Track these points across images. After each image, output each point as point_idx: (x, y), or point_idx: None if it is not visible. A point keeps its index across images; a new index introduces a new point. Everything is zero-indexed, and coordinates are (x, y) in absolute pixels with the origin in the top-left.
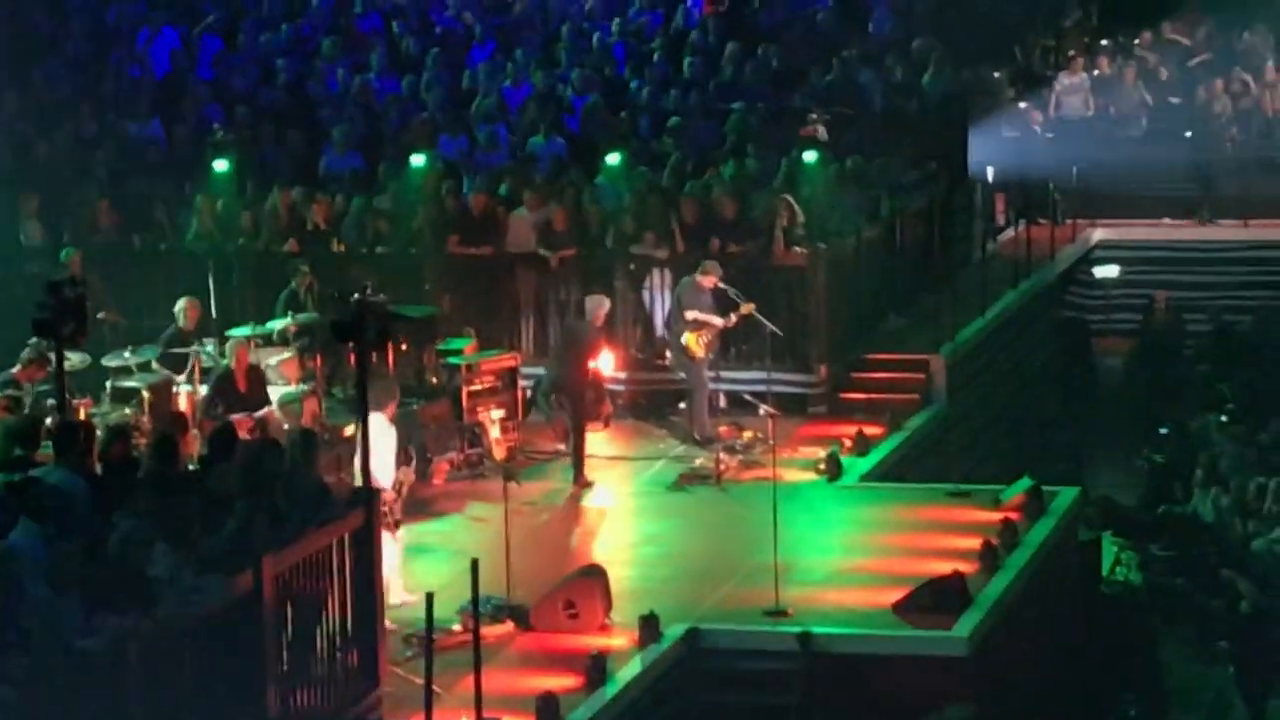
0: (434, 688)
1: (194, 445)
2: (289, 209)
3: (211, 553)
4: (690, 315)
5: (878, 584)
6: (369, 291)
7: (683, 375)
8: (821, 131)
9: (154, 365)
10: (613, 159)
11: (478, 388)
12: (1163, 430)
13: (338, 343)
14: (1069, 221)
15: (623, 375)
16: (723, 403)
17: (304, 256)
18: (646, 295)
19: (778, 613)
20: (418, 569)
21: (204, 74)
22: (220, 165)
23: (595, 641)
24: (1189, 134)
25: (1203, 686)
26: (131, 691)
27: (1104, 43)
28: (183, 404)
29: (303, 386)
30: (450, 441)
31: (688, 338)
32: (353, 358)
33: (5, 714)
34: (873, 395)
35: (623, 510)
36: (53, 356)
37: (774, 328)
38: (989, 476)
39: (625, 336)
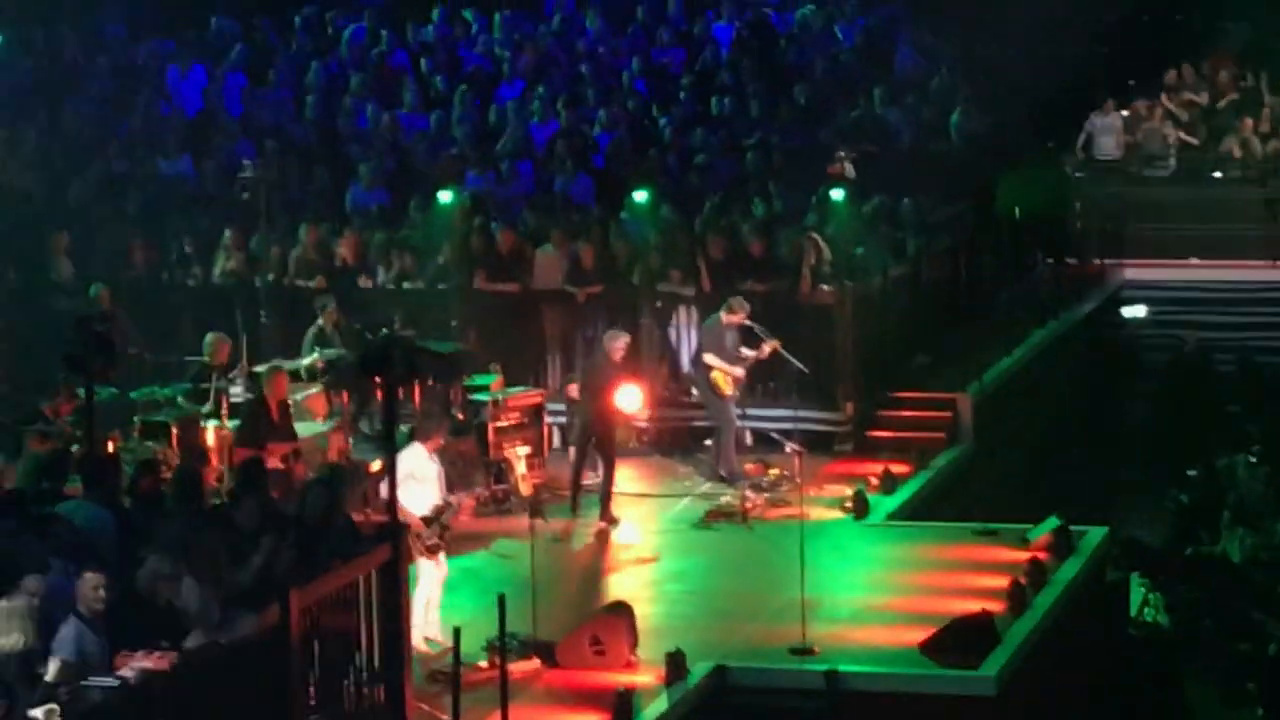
0: None
1: (221, 479)
2: (316, 245)
3: (239, 586)
4: (708, 358)
5: (904, 623)
6: (396, 326)
7: (709, 412)
8: (849, 169)
9: (181, 400)
10: (640, 196)
11: (504, 424)
12: (1191, 472)
13: (365, 378)
14: (1097, 261)
15: (649, 412)
16: (749, 440)
17: (331, 292)
18: (673, 332)
19: (804, 650)
20: (443, 604)
21: (233, 110)
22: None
23: (621, 678)
24: (1218, 174)
25: None
26: None
27: (1132, 83)
28: (210, 439)
29: (330, 422)
30: (476, 477)
31: (715, 375)
32: (379, 393)
33: None
34: (899, 434)
35: (649, 547)
36: (82, 391)
37: (801, 365)
38: (1016, 516)
39: (651, 373)
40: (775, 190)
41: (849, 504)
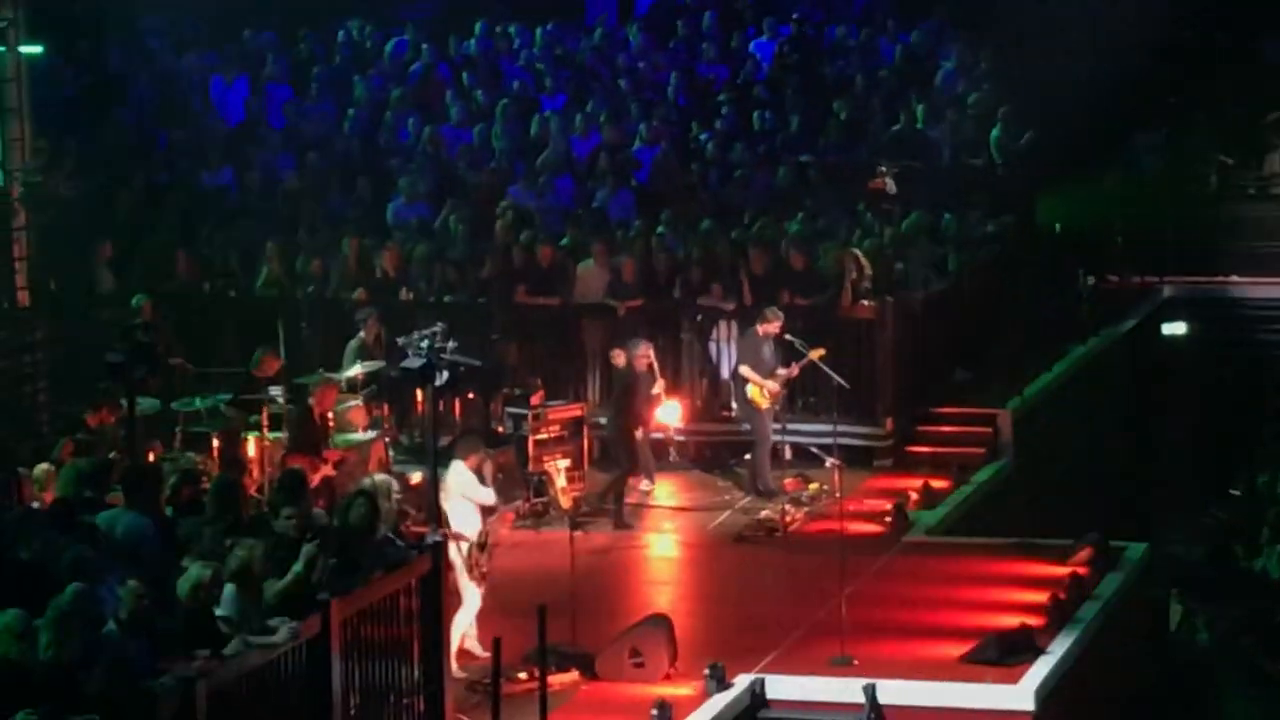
0: None
1: (262, 489)
2: (358, 257)
3: (280, 597)
4: (743, 371)
5: (944, 636)
6: (439, 338)
7: (747, 426)
8: (890, 184)
9: (224, 411)
10: (681, 210)
11: (544, 437)
12: (1234, 491)
13: (406, 390)
14: (1138, 278)
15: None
16: (788, 454)
17: (372, 305)
18: (713, 346)
19: (844, 664)
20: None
21: (275, 123)
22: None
23: (661, 690)
24: (1251, 191)
25: None
26: None
27: (1173, 100)
28: (251, 450)
29: (371, 434)
30: (516, 491)
31: (751, 389)
32: (421, 404)
33: None
34: (939, 449)
35: (688, 560)
36: (124, 401)
37: (841, 380)
38: (1056, 531)
39: (691, 387)
40: (816, 205)
41: (888, 519)
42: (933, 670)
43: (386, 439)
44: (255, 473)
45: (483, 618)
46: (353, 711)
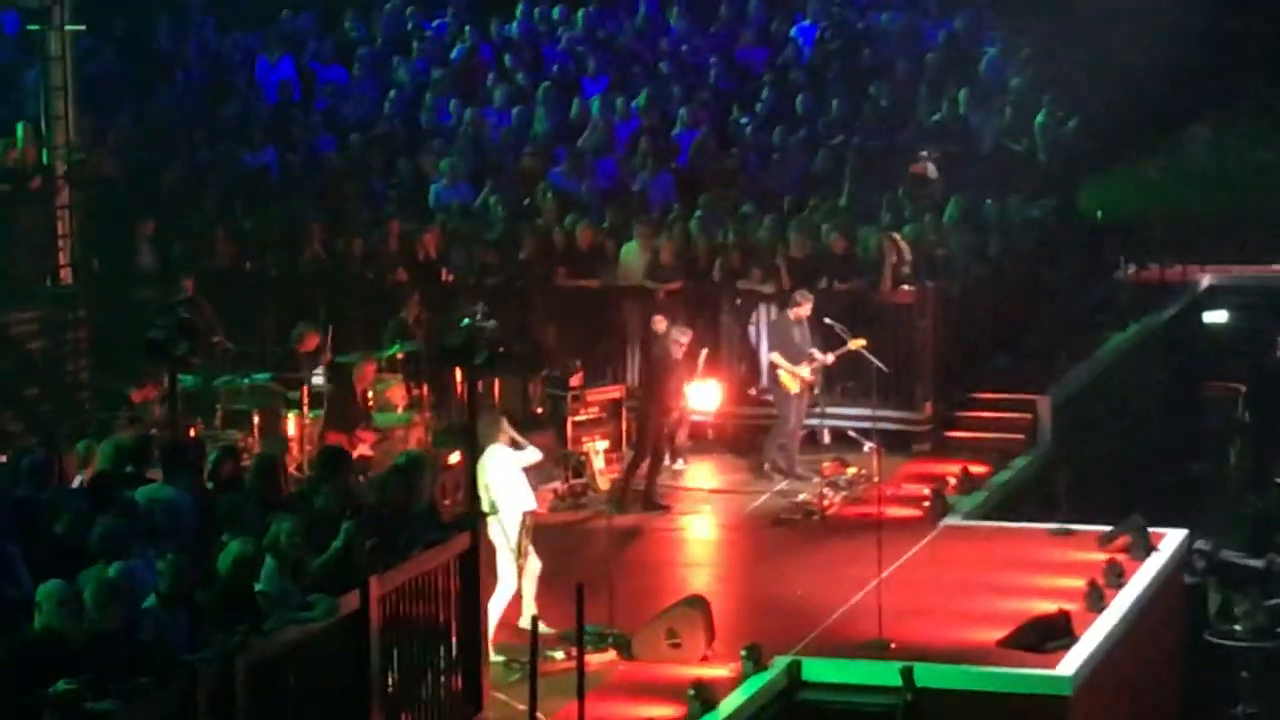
0: (537, 714)
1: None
2: (399, 238)
3: (319, 573)
4: (772, 356)
5: (982, 621)
6: (479, 317)
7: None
8: (931, 169)
9: (265, 389)
10: (721, 194)
11: (582, 418)
12: (1276, 480)
13: (446, 369)
14: (1179, 265)
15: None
16: (827, 438)
17: (413, 285)
18: (752, 330)
19: (881, 647)
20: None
21: (318, 104)
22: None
23: (697, 672)
24: None
25: None
26: (238, 708)
27: (1218, 88)
28: (291, 428)
29: (410, 414)
30: (554, 472)
31: (782, 374)
32: (460, 384)
33: None
34: (978, 434)
35: (725, 542)
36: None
37: (880, 364)
38: (1095, 518)
39: (730, 370)
40: (856, 189)
41: (927, 503)
42: (970, 654)
43: (424, 419)
44: (295, 450)
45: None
46: (390, 688)
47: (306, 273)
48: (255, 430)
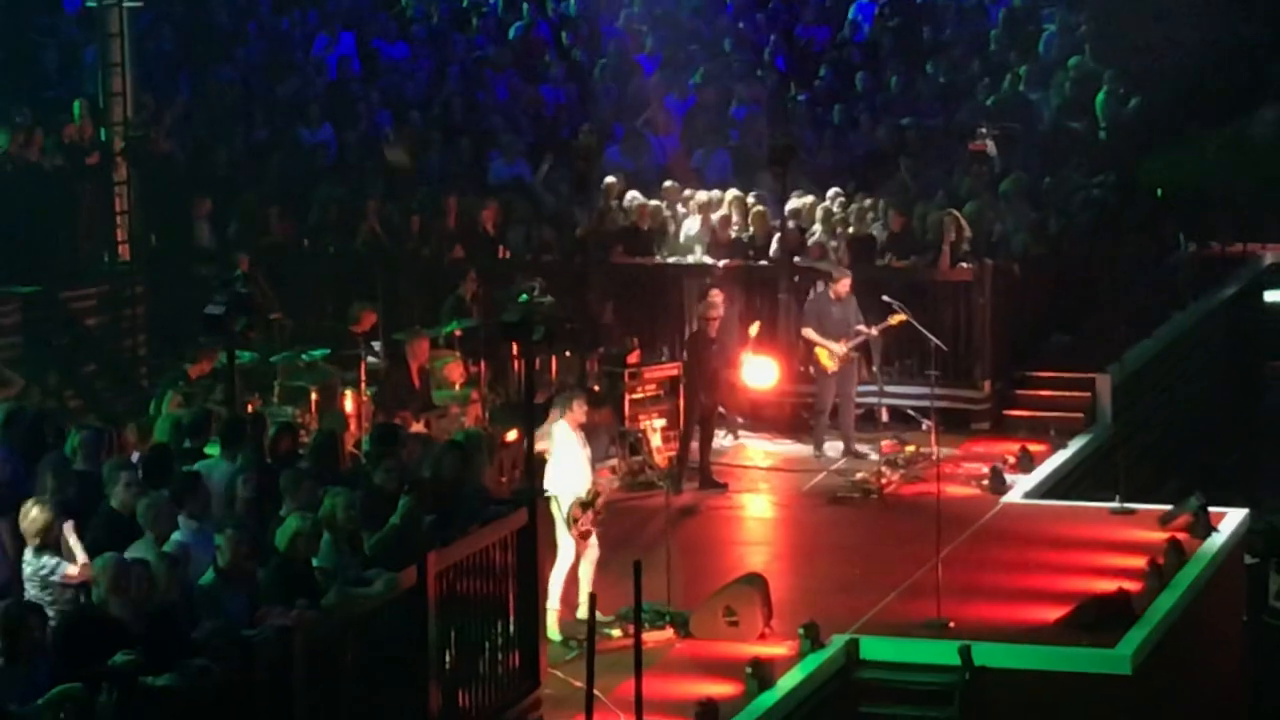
0: (595, 692)
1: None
2: (457, 215)
3: (377, 549)
4: (806, 333)
5: (1041, 600)
6: (536, 293)
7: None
8: (991, 147)
9: (322, 366)
10: (778, 171)
11: (640, 396)
12: None
13: (503, 345)
14: (1240, 244)
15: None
16: (885, 417)
17: (470, 262)
18: None
19: (939, 626)
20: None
21: (376, 81)
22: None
23: (755, 649)
24: None
25: None
26: (296, 683)
27: None
28: (349, 405)
29: (467, 390)
30: (611, 450)
31: (818, 350)
32: (517, 361)
33: (174, 703)
34: (1037, 413)
35: (783, 521)
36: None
37: (939, 342)
38: (1155, 497)
39: (787, 348)
40: (915, 167)
41: (985, 482)
42: (1029, 634)
43: (482, 396)
44: (352, 427)
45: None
46: (448, 664)
47: (363, 250)
48: (312, 407)
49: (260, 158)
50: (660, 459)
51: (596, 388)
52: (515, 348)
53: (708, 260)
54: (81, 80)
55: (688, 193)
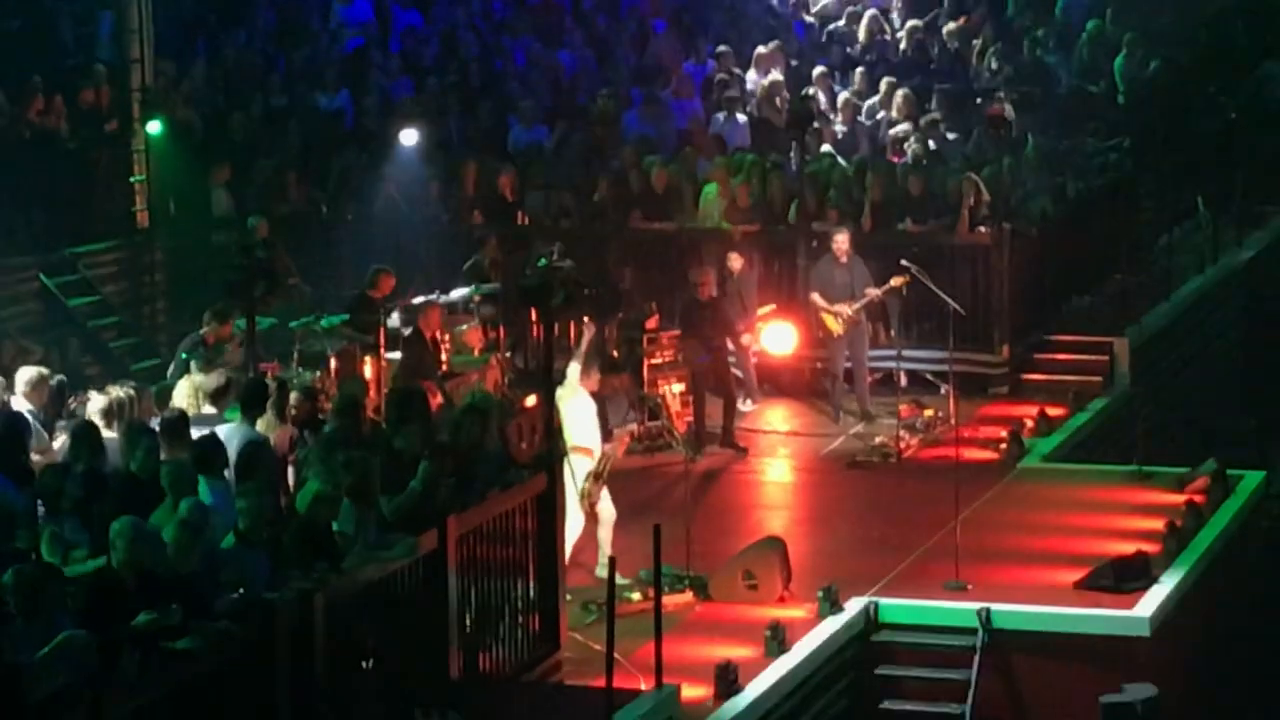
0: (615, 654)
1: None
2: (475, 181)
3: (397, 513)
4: (812, 298)
5: (1059, 562)
6: (555, 258)
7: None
8: (1009, 110)
9: (340, 331)
10: (797, 135)
11: (659, 361)
12: None
13: (523, 310)
14: (1259, 206)
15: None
16: (903, 381)
17: (488, 228)
18: None
19: (958, 589)
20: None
21: (393, 47)
22: (407, 137)
23: (774, 613)
24: None
25: None
26: (317, 646)
27: None
28: (368, 370)
29: (486, 356)
30: (630, 414)
31: (824, 315)
32: (536, 326)
33: (195, 665)
34: (1055, 376)
35: (802, 485)
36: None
37: (957, 306)
38: (1173, 459)
39: (806, 314)
40: (934, 131)
41: (1003, 445)
42: (1047, 595)
43: (501, 361)
44: (372, 392)
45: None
46: (468, 628)
47: (382, 216)
48: (332, 372)
49: (278, 124)
50: (679, 423)
51: (615, 353)
52: (534, 313)
53: (726, 226)
54: (96, 47)
55: (706, 158)
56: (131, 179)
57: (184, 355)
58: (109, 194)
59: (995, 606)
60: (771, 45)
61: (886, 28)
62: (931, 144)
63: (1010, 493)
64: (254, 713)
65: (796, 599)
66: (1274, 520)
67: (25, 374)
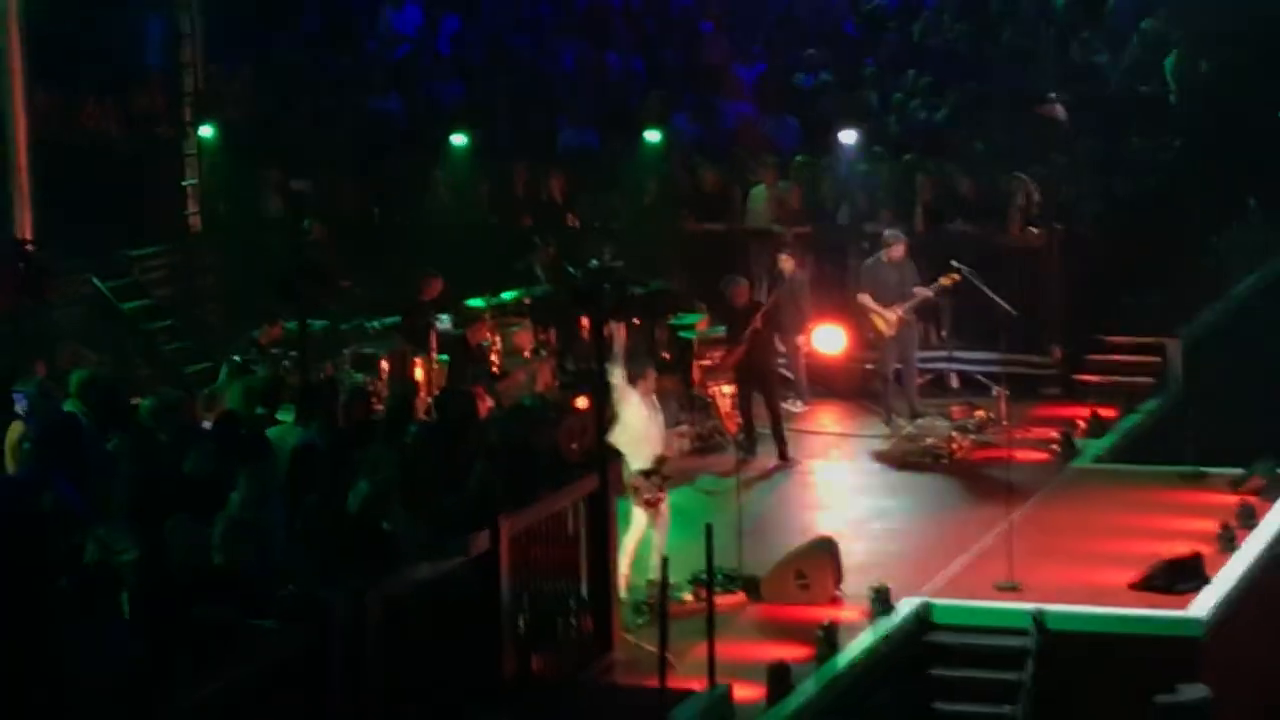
0: (667, 655)
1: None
2: (525, 183)
3: (451, 513)
4: (861, 299)
5: (1112, 563)
6: (606, 260)
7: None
8: (1060, 111)
9: (392, 334)
10: (847, 137)
11: (709, 362)
12: None
13: (574, 312)
14: None
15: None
16: (955, 383)
17: (539, 230)
18: None
19: (1010, 589)
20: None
21: (442, 49)
22: (458, 140)
23: (826, 613)
24: None
25: None
26: (370, 646)
27: None
28: (419, 373)
29: (537, 358)
30: (681, 415)
31: (873, 316)
32: (586, 328)
33: (248, 664)
34: (1108, 377)
35: (853, 486)
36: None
37: (1008, 308)
38: (1226, 460)
39: (857, 314)
40: (985, 132)
41: (1056, 447)
42: (1100, 596)
43: (552, 363)
44: (423, 394)
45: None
46: (521, 629)
47: (432, 219)
48: (382, 374)
49: (328, 127)
50: (730, 424)
51: (666, 354)
52: (585, 315)
53: (776, 227)
54: (145, 52)
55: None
56: (184, 183)
57: (236, 357)
58: (161, 198)
59: (1048, 607)
60: (822, 46)
61: (938, 27)
62: (982, 144)
63: (1062, 493)
64: (307, 711)
65: (848, 600)
66: None
67: (79, 376)
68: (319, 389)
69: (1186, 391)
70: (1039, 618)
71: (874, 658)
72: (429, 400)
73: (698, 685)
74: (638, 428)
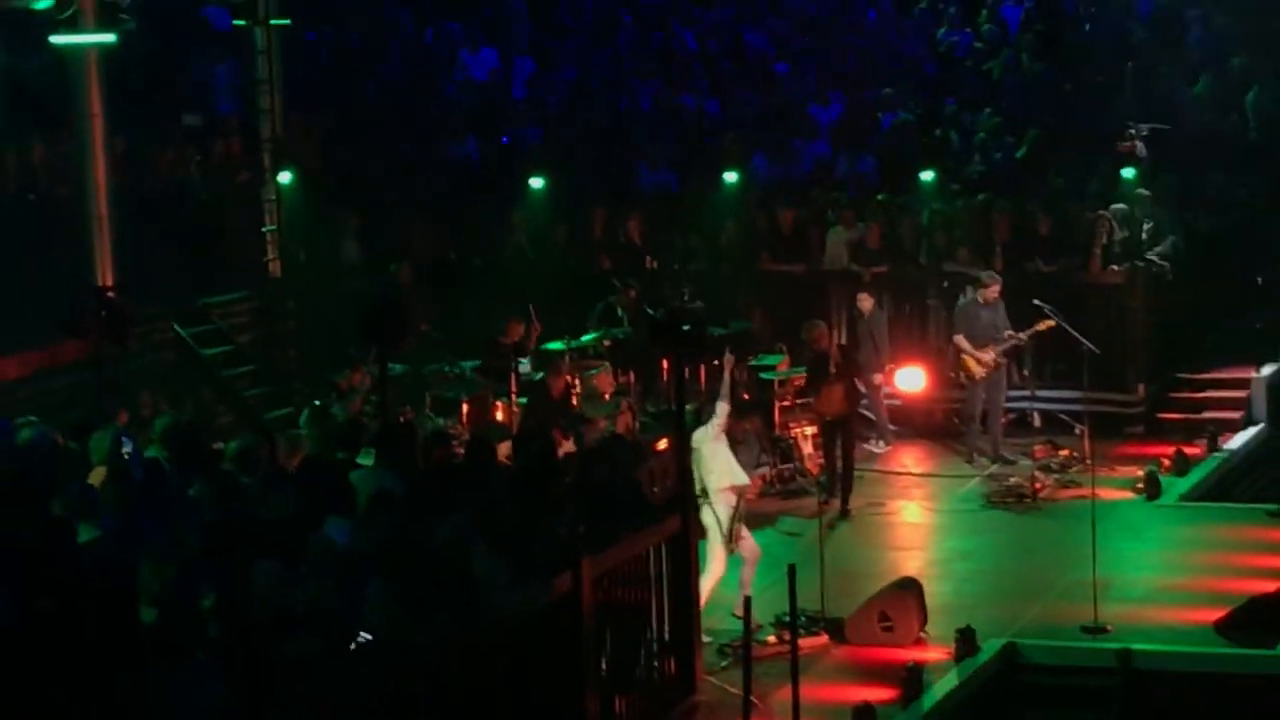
0: (751, 698)
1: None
2: (603, 226)
3: (534, 555)
4: (956, 340)
5: (1198, 602)
6: (685, 301)
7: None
8: (1140, 147)
9: (472, 377)
10: (926, 176)
11: (789, 403)
12: None
13: (653, 354)
14: None
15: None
16: (1038, 421)
17: (617, 272)
18: None
19: (1097, 629)
20: (730, 581)
21: (519, 93)
22: (535, 183)
23: (910, 654)
24: None
25: None
26: (452, 689)
27: None
28: (500, 415)
29: (617, 401)
30: (763, 457)
31: (965, 358)
32: (666, 369)
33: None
34: (1192, 415)
35: (936, 526)
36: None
37: (1091, 346)
38: None
39: (937, 353)
40: (1064, 169)
41: (1140, 485)
42: (1188, 635)
43: (632, 405)
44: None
45: (728, 583)
46: (603, 671)
47: (510, 262)
48: (463, 418)
49: (407, 172)
50: (811, 465)
51: (747, 395)
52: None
53: (854, 268)
54: (223, 98)
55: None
56: (263, 229)
57: (317, 402)
58: (241, 244)
59: (1135, 646)
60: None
61: (1016, 64)
62: (1061, 181)
63: (1148, 532)
64: None
65: (932, 641)
66: None
67: (162, 422)
68: (398, 432)
69: (1272, 428)
70: (1126, 657)
71: (959, 699)
72: (509, 443)
73: None
74: (721, 467)
